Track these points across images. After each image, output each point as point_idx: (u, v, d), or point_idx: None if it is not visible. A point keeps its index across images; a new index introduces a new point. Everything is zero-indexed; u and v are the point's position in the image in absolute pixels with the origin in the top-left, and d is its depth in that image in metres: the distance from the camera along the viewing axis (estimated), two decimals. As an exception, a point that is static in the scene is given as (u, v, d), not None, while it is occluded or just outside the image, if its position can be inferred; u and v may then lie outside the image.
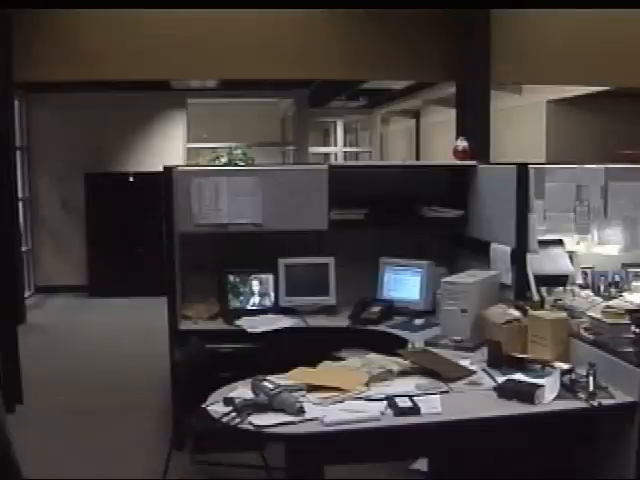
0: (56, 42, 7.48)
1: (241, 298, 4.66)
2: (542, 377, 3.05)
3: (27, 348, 6.03)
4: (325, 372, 3.21)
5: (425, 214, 4.71)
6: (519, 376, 3.10)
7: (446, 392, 3.02)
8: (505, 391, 2.95)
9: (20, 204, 9.62)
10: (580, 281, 4.05)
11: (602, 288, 4.01)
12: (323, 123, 15.32)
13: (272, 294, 4.68)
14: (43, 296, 10.29)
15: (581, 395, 2.91)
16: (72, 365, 6.80)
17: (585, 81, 8.34)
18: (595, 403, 2.86)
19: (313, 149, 13.41)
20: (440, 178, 4.87)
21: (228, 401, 2.86)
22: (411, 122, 15.33)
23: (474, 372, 3.26)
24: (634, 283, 3.96)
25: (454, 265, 4.66)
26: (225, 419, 2.74)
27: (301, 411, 2.73)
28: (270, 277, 4.68)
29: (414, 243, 4.72)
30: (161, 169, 4.52)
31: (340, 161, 13.81)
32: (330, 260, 4.68)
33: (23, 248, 9.74)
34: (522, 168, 3.92)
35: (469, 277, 3.94)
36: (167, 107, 10.82)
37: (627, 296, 3.59)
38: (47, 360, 6.92)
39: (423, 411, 2.78)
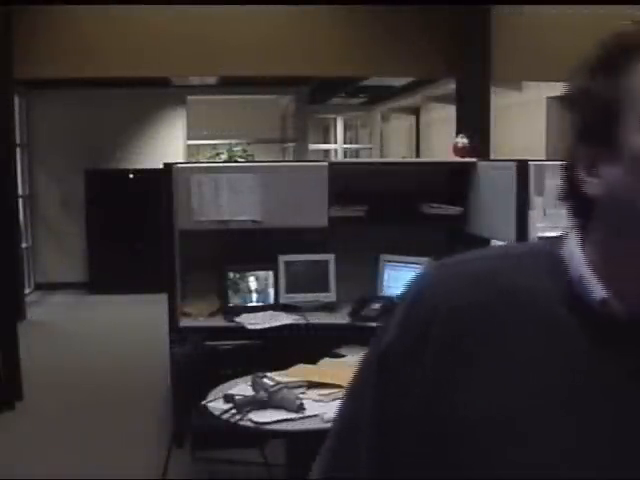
0: (56, 39, 7.47)
1: (241, 295, 4.66)
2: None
3: (27, 345, 6.03)
4: (325, 369, 3.21)
5: (425, 211, 4.70)
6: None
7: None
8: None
9: (20, 201, 9.62)
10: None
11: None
12: (323, 120, 15.32)
13: (272, 291, 4.68)
14: (43, 293, 10.27)
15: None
16: (72, 361, 6.80)
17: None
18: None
19: (313, 146, 13.40)
20: (440, 175, 4.86)
21: (228, 398, 2.86)
22: (411, 119, 15.33)
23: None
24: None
25: (454, 262, 4.65)
26: (225, 416, 2.74)
27: (301, 408, 2.73)
28: (270, 274, 4.67)
29: (414, 240, 4.72)
30: (161, 166, 4.52)
31: (340, 158, 13.80)
32: (330, 257, 4.68)
33: (23, 245, 9.74)
34: (522, 165, 3.92)
35: (469, 274, 3.93)
36: (167, 104, 10.81)
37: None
38: (47, 357, 6.92)
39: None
